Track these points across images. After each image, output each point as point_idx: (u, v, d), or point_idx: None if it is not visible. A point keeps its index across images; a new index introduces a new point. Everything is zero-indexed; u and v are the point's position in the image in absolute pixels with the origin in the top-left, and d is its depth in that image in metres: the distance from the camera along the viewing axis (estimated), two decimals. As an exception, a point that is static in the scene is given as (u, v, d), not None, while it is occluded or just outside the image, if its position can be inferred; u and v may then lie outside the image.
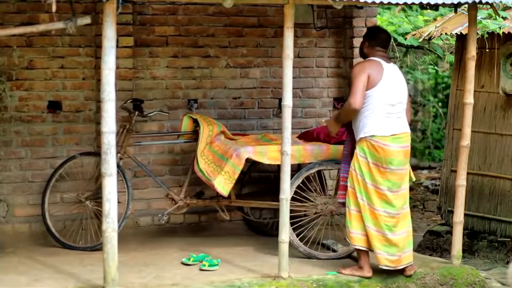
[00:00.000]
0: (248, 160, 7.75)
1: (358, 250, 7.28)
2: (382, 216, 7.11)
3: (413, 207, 12.91)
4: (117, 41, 6.43)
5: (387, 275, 7.25)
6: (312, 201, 7.85)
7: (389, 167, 7.07)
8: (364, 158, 7.12)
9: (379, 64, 7.16)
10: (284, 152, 6.92)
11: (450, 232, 8.67)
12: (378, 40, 7.28)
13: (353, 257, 7.67)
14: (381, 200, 7.10)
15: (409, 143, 7.23)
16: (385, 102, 7.09)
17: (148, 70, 8.66)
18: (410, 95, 7.31)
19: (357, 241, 7.21)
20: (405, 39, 10.53)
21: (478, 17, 8.04)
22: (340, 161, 7.60)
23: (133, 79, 8.53)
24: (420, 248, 9.73)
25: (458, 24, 9.28)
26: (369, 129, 7.09)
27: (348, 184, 7.25)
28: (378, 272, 7.27)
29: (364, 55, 7.35)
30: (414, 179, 7.71)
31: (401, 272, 7.30)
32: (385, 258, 7.15)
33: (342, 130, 7.98)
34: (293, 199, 7.59)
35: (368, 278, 7.18)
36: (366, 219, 7.15)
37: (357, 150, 7.17)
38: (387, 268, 7.19)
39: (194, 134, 8.21)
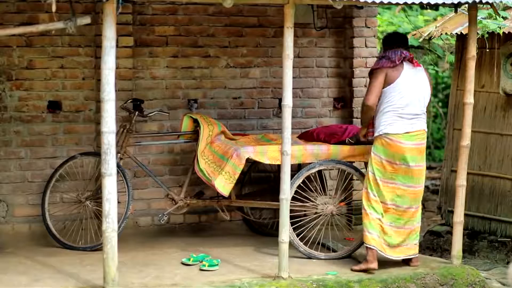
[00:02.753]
0: (248, 160, 7.75)
1: (369, 248, 7.34)
2: (391, 208, 7.32)
3: (413, 207, 12.90)
4: (117, 41, 6.43)
5: (388, 275, 7.26)
6: (312, 201, 7.85)
7: (403, 163, 7.25)
8: (377, 156, 7.31)
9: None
10: (284, 152, 6.92)
11: (450, 232, 8.67)
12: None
13: (353, 257, 7.67)
14: (392, 194, 7.30)
15: (425, 141, 7.38)
16: (399, 100, 7.25)
17: (148, 70, 8.66)
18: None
19: (372, 242, 7.32)
20: (405, 39, 10.51)
21: (478, 17, 8.03)
22: (340, 161, 7.77)
23: (133, 79, 8.53)
24: (420, 248, 9.65)
25: (458, 24, 9.28)
26: (383, 128, 7.27)
27: (363, 185, 7.43)
28: (379, 271, 7.27)
29: None
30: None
31: (406, 263, 7.51)
32: (382, 244, 7.32)
33: (342, 131, 8.00)
34: (293, 199, 7.59)
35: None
36: (377, 210, 7.31)
37: (372, 149, 7.37)
38: (385, 255, 7.34)
39: (194, 134, 8.20)
